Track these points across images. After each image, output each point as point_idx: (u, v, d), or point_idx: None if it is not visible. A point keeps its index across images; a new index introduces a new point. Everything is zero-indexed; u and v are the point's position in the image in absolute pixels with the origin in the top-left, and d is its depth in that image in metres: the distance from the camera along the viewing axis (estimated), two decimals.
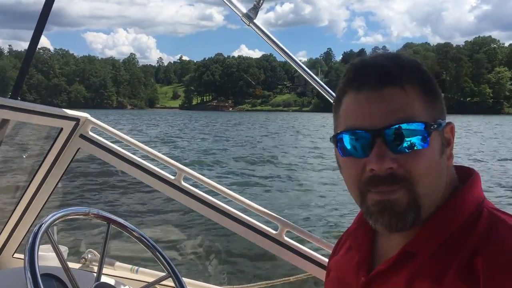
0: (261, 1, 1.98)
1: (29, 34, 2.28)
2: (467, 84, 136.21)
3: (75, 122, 2.31)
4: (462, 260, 0.90)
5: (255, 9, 2.00)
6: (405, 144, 0.93)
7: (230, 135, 40.24)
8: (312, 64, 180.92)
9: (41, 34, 2.16)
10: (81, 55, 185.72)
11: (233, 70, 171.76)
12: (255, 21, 2.01)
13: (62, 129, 2.31)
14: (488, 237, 0.91)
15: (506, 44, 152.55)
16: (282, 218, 2.34)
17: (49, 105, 2.37)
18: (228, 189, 2.40)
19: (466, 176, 1.06)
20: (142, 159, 2.40)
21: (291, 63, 2.15)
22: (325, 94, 2.07)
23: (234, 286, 2.51)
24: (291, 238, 2.35)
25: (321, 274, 2.26)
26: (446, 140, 1.00)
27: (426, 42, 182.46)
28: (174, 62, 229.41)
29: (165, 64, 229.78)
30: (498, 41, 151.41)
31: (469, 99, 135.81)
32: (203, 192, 2.41)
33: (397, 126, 0.92)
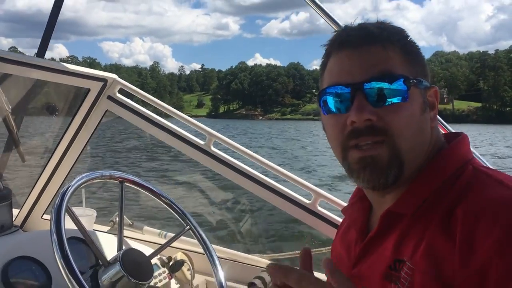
0: None
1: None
2: (507, 93, 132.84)
3: (103, 83, 2.26)
4: (443, 213, 0.89)
5: None
6: (384, 98, 0.93)
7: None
8: None
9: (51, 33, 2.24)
10: (104, 64, 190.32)
11: (262, 78, 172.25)
12: None
13: (89, 90, 2.27)
14: (470, 187, 0.89)
15: None
16: (316, 188, 2.24)
17: None
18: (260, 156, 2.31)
19: (454, 139, 1.04)
20: (170, 123, 2.34)
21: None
22: None
23: (264, 255, 2.40)
24: (325, 208, 2.24)
25: None
26: (430, 103, 1.00)
27: (455, 51, 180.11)
28: (196, 70, 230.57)
29: (187, 72, 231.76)
30: None
31: (508, 108, 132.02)
32: (234, 158, 2.33)
33: (375, 79, 0.93)
